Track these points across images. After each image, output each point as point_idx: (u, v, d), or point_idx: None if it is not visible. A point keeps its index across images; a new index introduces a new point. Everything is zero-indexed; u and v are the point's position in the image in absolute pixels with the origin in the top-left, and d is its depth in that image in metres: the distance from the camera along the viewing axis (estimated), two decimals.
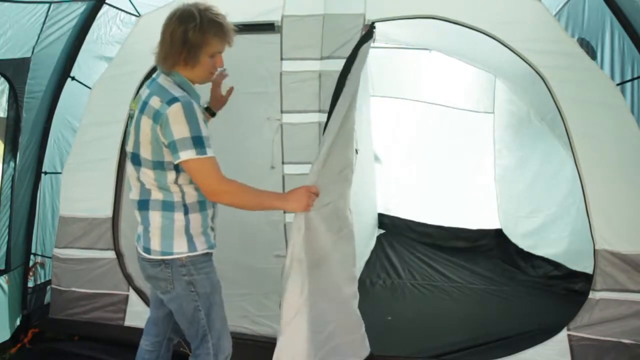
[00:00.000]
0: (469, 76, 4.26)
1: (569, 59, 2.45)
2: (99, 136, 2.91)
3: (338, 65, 2.54)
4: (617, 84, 2.59)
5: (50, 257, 3.12)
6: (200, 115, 1.81)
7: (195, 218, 1.92)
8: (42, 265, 3.21)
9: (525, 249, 4.12)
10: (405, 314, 3.40)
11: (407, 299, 3.63)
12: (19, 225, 3.03)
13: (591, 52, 2.94)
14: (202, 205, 1.93)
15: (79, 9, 2.94)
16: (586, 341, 2.53)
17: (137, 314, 2.95)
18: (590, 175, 2.48)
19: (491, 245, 4.42)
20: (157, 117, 1.78)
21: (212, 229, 2.01)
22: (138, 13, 3.04)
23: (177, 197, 1.88)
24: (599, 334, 2.51)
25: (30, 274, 3.12)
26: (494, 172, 4.39)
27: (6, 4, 2.60)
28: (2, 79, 2.80)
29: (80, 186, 2.97)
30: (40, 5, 2.75)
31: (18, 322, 3.03)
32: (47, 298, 3.16)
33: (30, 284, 3.13)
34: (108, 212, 2.94)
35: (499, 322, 3.23)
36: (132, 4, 3.05)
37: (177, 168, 1.83)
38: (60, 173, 3.14)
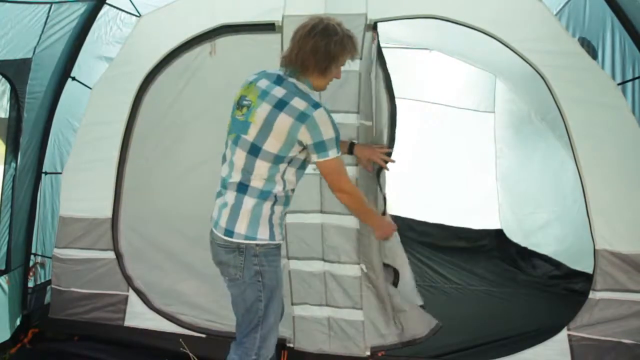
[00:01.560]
0: (469, 75, 4.27)
1: (570, 58, 2.45)
2: (99, 136, 2.91)
3: None
4: (618, 84, 2.59)
5: (50, 257, 3.12)
6: None
7: (278, 210, 2.06)
8: (42, 265, 3.21)
9: (527, 247, 4.13)
10: None
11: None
12: (20, 225, 3.03)
13: (592, 52, 2.94)
14: (287, 200, 2.09)
15: (80, 9, 2.93)
16: (586, 341, 2.53)
17: (136, 314, 2.96)
18: (590, 175, 2.48)
19: (491, 246, 4.43)
20: (304, 118, 1.92)
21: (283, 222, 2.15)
22: (138, 13, 3.04)
23: (276, 188, 2.01)
24: (599, 334, 2.52)
25: (30, 274, 3.12)
26: (495, 171, 4.40)
27: (7, 4, 2.60)
28: (4, 79, 2.80)
29: (80, 186, 2.97)
30: (42, 6, 2.75)
31: (18, 322, 3.03)
32: (47, 298, 3.16)
33: (30, 284, 3.13)
34: (108, 213, 2.94)
35: (499, 323, 3.23)
36: (133, 4, 3.05)
37: (290, 162, 2.00)
38: (60, 173, 3.14)
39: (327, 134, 1.94)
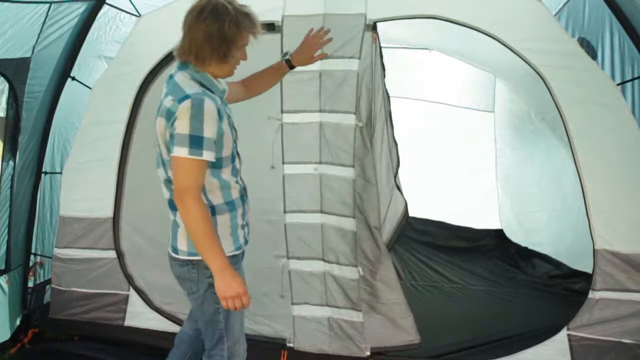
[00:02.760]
0: (469, 75, 4.27)
1: (569, 58, 2.45)
2: (99, 136, 2.91)
3: (339, 64, 2.55)
4: (618, 84, 2.59)
5: (49, 257, 3.12)
6: (212, 115, 1.75)
7: (223, 219, 1.91)
8: (42, 265, 3.21)
9: (527, 247, 4.13)
10: None
11: (407, 299, 3.63)
12: (19, 225, 3.03)
13: (591, 52, 2.94)
14: (230, 205, 1.93)
15: (79, 8, 2.93)
16: (586, 341, 2.53)
17: (137, 314, 2.96)
18: (590, 175, 2.48)
19: (491, 246, 4.43)
20: (170, 116, 1.76)
21: (244, 226, 2.00)
22: (138, 13, 3.03)
23: (202, 199, 1.83)
24: (599, 333, 2.52)
25: (30, 274, 3.12)
26: (495, 171, 4.40)
27: (6, 3, 2.59)
28: (2, 78, 2.80)
29: (80, 186, 2.97)
30: (41, 5, 2.75)
31: (18, 322, 3.03)
32: (47, 298, 3.16)
33: (30, 284, 3.13)
34: (108, 212, 2.94)
35: (499, 322, 3.24)
36: (132, 4, 3.04)
37: None
38: (60, 173, 3.14)
39: (180, 127, 1.72)
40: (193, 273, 1.91)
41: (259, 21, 1.85)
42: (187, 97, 1.74)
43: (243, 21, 1.79)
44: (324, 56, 2.35)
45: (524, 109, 4.00)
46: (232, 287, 1.79)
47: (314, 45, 2.29)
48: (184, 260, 1.91)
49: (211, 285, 1.87)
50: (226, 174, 1.90)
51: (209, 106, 1.75)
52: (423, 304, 3.54)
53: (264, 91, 2.35)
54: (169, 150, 1.79)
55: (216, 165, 1.85)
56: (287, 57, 2.30)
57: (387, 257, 2.68)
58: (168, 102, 1.78)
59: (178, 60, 1.88)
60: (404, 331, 2.71)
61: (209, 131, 1.75)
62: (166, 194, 1.93)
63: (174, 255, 1.94)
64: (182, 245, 1.90)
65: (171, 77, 1.87)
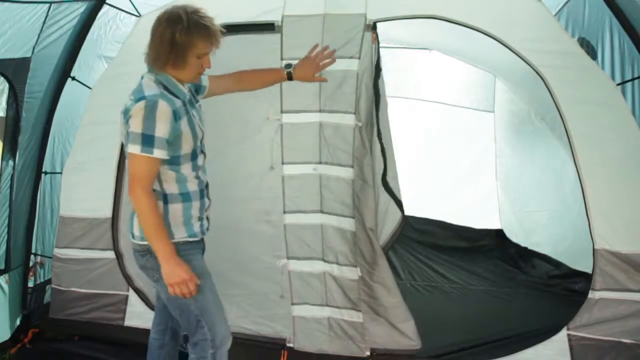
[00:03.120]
0: (469, 75, 4.27)
1: (569, 58, 2.45)
2: (98, 136, 2.91)
3: (338, 64, 2.54)
4: (618, 84, 2.59)
5: (49, 257, 3.12)
6: (165, 116, 1.85)
7: (175, 208, 2.00)
8: (42, 265, 3.21)
9: (527, 247, 4.13)
10: None
11: (407, 299, 3.58)
12: (19, 225, 3.03)
13: (591, 52, 2.94)
14: (185, 196, 2.01)
15: (80, 8, 2.93)
16: (586, 341, 2.53)
17: (137, 314, 2.96)
18: (590, 175, 2.48)
19: (491, 246, 4.43)
20: (126, 115, 1.90)
21: (200, 219, 2.08)
22: (138, 13, 3.04)
23: (156, 187, 1.96)
24: (599, 333, 2.52)
25: (30, 274, 3.13)
26: (495, 170, 4.40)
27: (6, 4, 2.60)
28: (2, 78, 2.80)
29: (80, 186, 2.97)
30: (41, 5, 2.75)
31: (18, 322, 3.03)
32: (47, 298, 3.16)
33: (30, 284, 3.13)
34: (108, 212, 2.94)
35: (499, 322, 3.24)
36: (132, 4, 3.05)
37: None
38: (60, 173, 3.14)
39: (134, 126, 1.85)
40: (152, 261, 1.98)
41: (217, 33, 1.94)
42: (143, 97, 1.87)
43: (196, 31, 1.88)
44: (324, 80, 2.44)
45: (524, 109, 4.00)
46: (177, 274, 1.90)
47: (317, 65, 2.38)
48: (140, 247, 2.00)
49: None
50: (185, 169, 2.00)
51: (163, 107, 1.86)
52: (423, 304, 3.54)
53: (254, 89, 2.44)
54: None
55: (174, 162, 1.95)
56: (290, 69, 2.37)
57: (383, 259, 2.67)
58: (128, 101, 1.92)
59: (146, 63, 1.99)
60: (404, 336, 2.70)
61: (160, 131, 1.85)
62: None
63: (132, 241, 2.04)
64: (136, 230, 2.01)
65: (141, 78, 2.00)
